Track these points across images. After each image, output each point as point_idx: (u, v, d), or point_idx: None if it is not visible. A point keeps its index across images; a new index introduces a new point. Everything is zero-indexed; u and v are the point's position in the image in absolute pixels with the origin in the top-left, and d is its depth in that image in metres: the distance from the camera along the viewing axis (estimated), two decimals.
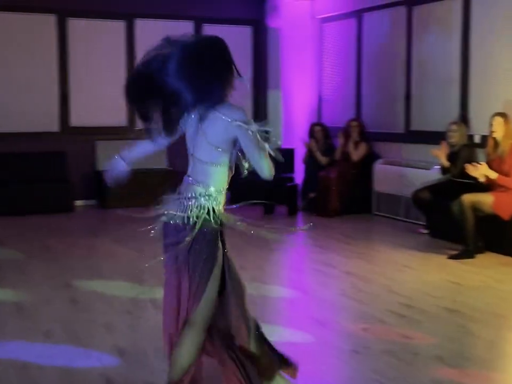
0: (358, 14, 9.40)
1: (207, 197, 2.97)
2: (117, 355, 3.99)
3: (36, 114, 9.55)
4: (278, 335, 4.35)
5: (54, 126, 9.69)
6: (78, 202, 9.58)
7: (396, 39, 8.74)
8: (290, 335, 4.39)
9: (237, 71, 2.98)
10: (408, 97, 8.58)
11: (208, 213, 2.96)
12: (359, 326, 4.49)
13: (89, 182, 9.77)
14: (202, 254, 2.94)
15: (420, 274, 5.93)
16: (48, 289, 5.45)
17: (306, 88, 10.40)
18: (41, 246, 7.05)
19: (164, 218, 3.01)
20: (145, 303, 4.95)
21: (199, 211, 2.96)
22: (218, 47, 2.95)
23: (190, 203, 2.96)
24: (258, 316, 4.54)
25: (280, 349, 3.27)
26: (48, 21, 9.60)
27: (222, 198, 3.04)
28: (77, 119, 9.80)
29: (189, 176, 3.04)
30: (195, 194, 2.98)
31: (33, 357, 3.97)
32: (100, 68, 9.89)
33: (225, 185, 3.05)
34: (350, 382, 3.70)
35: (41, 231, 7.86)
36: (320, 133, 9.49)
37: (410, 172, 8.23)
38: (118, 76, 9.89)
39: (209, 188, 2.98)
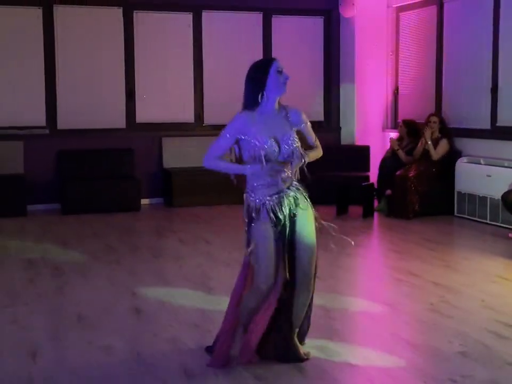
0: (439, 2, 8.78)
1: None
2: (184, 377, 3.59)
3: (104, 111, 9.30)
4: (362, 356, 3.88)
5: (122, 123, 9.43)
6: (144, 201, 9.29)
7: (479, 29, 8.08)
8: (376, 357, 3.88)
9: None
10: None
11: None
12: (456, 349, 3.96)
13: (156, 180, 9.49)
14: None
15: None
16: (111, 297, 5.12)
17: (381, 81, 9.85)
18: (106, 247, 6.76)
19: None
20: (213, 315, 4.52)
21: None
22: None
23: None
24: (337, 333, 4.10)
25: None
26: (114, 14, 9.35)
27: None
28: (143, 115, 9.53)
29: None
30: None
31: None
32: (166, 62, 9.57)
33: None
34: None
35: (107, 231, 7.59)
36: (403, 130, 8.93)
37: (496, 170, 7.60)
38: (185, 70, 9.61)
39: None
